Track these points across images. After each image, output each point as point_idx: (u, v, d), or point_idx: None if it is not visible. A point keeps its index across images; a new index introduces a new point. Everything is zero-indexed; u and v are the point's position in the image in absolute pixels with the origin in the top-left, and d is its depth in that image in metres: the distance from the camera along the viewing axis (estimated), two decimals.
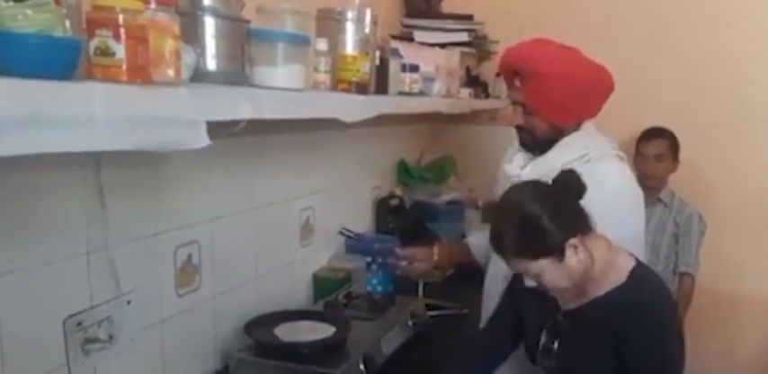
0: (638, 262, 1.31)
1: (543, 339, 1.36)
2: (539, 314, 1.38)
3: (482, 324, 1.77)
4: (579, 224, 1.25)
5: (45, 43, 0.71)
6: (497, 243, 1.26)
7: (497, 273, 1.68)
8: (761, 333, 2.87)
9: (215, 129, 0.96)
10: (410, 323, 1.86)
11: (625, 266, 1.28)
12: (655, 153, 2.61)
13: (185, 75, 1.01)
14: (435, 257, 1.85)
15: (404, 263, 1.85)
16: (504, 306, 1.52)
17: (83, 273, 1.20)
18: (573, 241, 1.21)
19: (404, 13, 2.79)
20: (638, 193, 1.56)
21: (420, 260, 1.86)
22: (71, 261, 1.17)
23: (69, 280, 1.18)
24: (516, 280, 1.42)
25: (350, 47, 1.51)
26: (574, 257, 1.22)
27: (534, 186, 1.29)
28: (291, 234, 1.94)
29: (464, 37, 2.69)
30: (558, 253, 1.21)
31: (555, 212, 1.20)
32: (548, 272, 1.23)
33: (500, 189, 1.71)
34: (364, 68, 1.51)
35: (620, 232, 1.34)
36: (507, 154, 1.77)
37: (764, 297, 2.84)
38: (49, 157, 0.71)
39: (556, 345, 1.33)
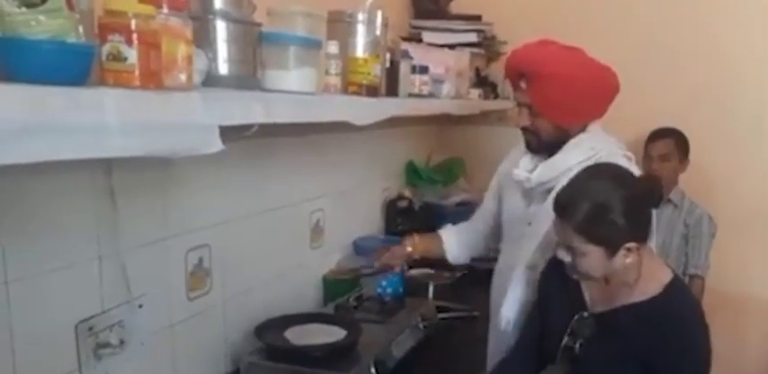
0: (675, 276, 1.30)
1: (566, 339, 1.34)
2: (565, 313, 1.36)
3: (491, 320, 1.76)
4: (644, 232, 1.25)
5: (59, 49, 0.71)
6: (565, 209, 1.23)
7: (506, 268, 1.67)
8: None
9: (226, 132, 0.96)
10: (421, 326, 1.85)
11: (662, 279, 1.27)
12: (660, 153, 2.58)
13: (197, 79, 1.01)
14: (409, 249, 1.85)
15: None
16: (534, 317, 1.49)
17: (94, 278, 1.20)
18: (631, 245, 1.21)
19: (412, 14, 2.78)
20: None
21: (397, 259, 1.85)
22: (82, 265, 1.17)
23: (81, 284, 1.17)
24: (546, 277, 1.44)
25: (360, 49, 1.50)
26: (623, 259, 1.22)
27: (628, 177, 1.27)
28: (301, 236, 1.94)
29: (473, 38, 2.68)
30: (613, 248, 1.21)
31: (634, 211, 1.20)
32: (590, 259, 1.22)
33: (507, 192, 1.71)
34: (375, 71, 1.50)
35: None
36: (508, 157, 1.77)
37: None
38: (60, 161, 0.70)
39: (578, 346, 1.31)
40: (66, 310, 1.15)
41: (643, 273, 1.26)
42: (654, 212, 1.55)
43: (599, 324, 1.30)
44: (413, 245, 1.85)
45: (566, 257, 1.26)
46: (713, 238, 2.60)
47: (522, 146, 1.67)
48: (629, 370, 1.25)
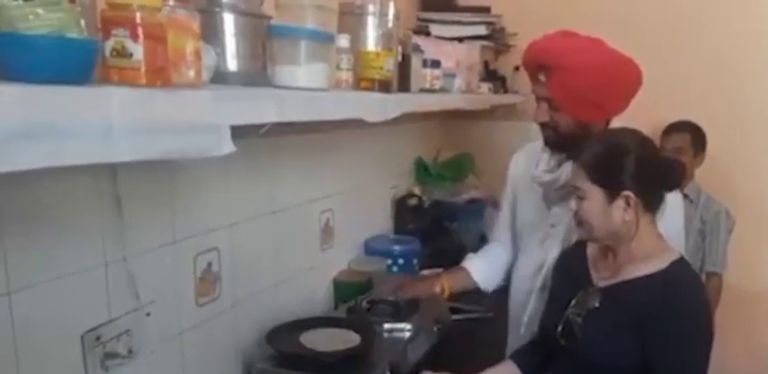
0: (682, 257, 1.30)
1: (570, 311, 1.32)
2: (569, 288, 1.36)
3: (510, 322, 1.71)
4: (648, 194, 1.25)
5: (59, 45, 0.66)
6: (581, 150, 1.29)
7: (528, 271, 1.62)
8: None
9: (236, 132, 0.90)
10: (435, 328, 1.80)
11: (669, 257, 1.28)
12: (674, 147, 2.51)
13: (205, 76, 0.95)
14: (437, 290, 1.75)
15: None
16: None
17: (101, 285, 1.15)
18: (629, 194, 1.22)
19: (419, 6, 2.72)
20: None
21: (420, 294, 1.77)
22: (88, 273, 1.12)
23: (87, 292, 1.12)
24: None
25: (372, 43, 1.44)
26: (620, 210, 1.24)
27: (651, 142, 1.31)
28: (311, 237, 1.89)
29: (482, 30, 2.62)
30: (612, 192, 1.23)
31: (644, 167, 1.23)
32: (590, 202, 1.25)
33: (523, 196, 1.65)
34: (388, 65, 1.44)
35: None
36: (516, 161, 1.71)
37: None
38: (63, 167, 0.65)
39: (581, 319, 1.30)
40: (72, 320, 1.10)
41: (650, 250, 1.27)
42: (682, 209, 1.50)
43: (604, 296, 1.30)
44: (441, 288, 1.75)
45: (573, 205, 1.29)
46: (731, 234, 2.54)
47: (529, 147, 1.63)
48: (627, 338, 1.24)
